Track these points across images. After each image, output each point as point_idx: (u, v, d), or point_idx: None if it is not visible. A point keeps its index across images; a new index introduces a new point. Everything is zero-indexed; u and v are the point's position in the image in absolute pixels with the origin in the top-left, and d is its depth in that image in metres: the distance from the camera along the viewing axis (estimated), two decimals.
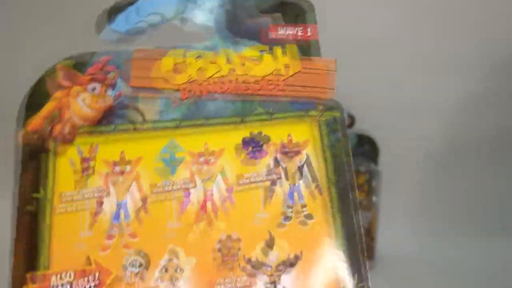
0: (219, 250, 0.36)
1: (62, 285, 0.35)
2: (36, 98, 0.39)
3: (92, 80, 0.39)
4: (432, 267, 0.68)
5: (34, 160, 0.38)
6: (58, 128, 0.38)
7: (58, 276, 0.35)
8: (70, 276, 0.35)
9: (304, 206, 0.37)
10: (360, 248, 0.36)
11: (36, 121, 0.38)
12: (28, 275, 0.35)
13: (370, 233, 0.73)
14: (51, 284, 0.35)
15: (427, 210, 0.77)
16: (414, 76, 0.71)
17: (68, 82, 0.39)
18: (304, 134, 0.39)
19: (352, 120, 0.73)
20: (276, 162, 0.38)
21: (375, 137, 0.75)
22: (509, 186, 0.72)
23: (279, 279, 0.35)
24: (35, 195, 0.37)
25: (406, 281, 0.65)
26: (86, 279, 0.35)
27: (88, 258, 0.36)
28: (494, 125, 0.71)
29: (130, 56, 0.40)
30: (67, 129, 0.38)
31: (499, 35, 0.67)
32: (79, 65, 0.40)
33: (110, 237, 0.36)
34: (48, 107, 0.39)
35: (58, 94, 0.39)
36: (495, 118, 0.71)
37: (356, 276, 0.35)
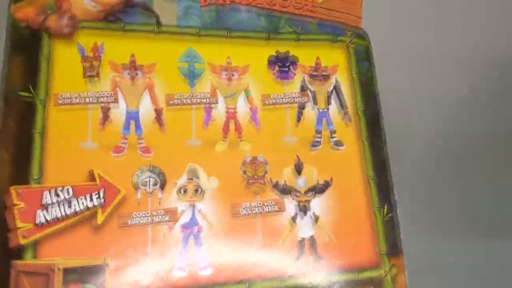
0: (244, 172, 0.32)
1: (58, 202, 0.29)
2: None
3: None
4: (432, 267, 0.68)
5: (22, 53, 0.30)
6: (53, 18, 0.31)
7: (53, 191, 0.29)
8: (68, 192, 0.29)
9: (333, 132, 0.34)
10: (389, 179, 0.34)
11: (25, 8, 0.31)
12: (12, 189, 0.28)
13: None
14: (43, 200, 0.28)
15: (427, 210, 0.77)
16: (414, 76, 0.72)
17: None
18: (333, 59, 0.36)
19: None
20: (304, 85, 0.35)
21: None
22: (509, 186, 0.75)
23: (309, 205, 0.32)
24: (23, 94, 0.30)
25: (407, 281, 0.64)
26: (88, 196, 0.29)
27: (91, 172, 0.30)
28: (493, 125, 0.73)
29: None
30: (64, 20, 0.32)
31: (499, 35, 0.69)
32: None
33: (118, 149, 0.30)
34: None
35: None
36: (495, 118, 0.73)
37: (385, 206, 0.34)
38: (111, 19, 0.33)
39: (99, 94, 0.31)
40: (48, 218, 0.28)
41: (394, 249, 0.33)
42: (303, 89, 0.35)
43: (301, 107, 0.34)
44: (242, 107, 0.34)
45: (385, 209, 0.33)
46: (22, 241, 0.27)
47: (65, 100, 0.30)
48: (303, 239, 0.31)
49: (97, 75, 0.31)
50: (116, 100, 0.31)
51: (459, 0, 0.65)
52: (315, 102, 0.35)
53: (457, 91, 0.69)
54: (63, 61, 0.31)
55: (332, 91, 0.35)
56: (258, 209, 0.31)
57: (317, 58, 0.36)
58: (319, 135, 0.34)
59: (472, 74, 0.69)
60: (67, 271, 0.27)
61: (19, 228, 0.28)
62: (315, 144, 0.34)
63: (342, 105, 0.35)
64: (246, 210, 0.31)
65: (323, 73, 0.36)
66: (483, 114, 0.71)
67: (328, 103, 0.35)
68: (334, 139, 0.34)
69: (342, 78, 0.36)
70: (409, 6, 0.64)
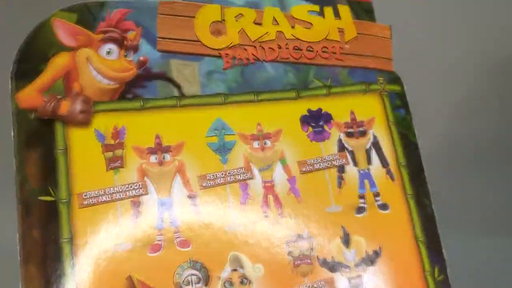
0: (289, 253, 0.30)
1: None
2: (27, 62, 0.28)
3: (106, 39, 0.29)
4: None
5: (35, 149, 0.27)
6: (65, 105, 0.28)
7: None
8: None
9: (377, 194, 0.32)
10: (438, 237, 0.33)
11: (31, 94, 0.28)
12: None
13: None
14: None
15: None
16: (414, 77, 0.70)
17: (72, 41, 0.29)
18: (368, 111, 0.34)
19: None
20: (341, 144, 0.33)
21: None
22: (510, 186, 0.74)
23: (361, 280, 0.30)
24: (43, 198, 0.27)
25: None
26: None
27: (130, 278, 0.27)
28: (495, 125, 0.72)
29: (154, 11, 0.31)
30: (78, 105, 0.28)
31: (499, 35, 0.67)
32: (84, 19, 0.29)
33: (154, 248, 0.28)
34: (46, 75, 0.28)
35: (59, 58, 0.28)
36: (496, 118, 0.72)
37: (436, 268, 0.32)
38: (129, 97, 0.29)
39: (127, 187, 0.28)
40: None
41: None
42: (340, 149, 0.32)
43: (341, 170, 0.32)
44: (279, 179, 0.31)
45: (436, 272, 0.32)
46: None
47: (91, 200, 0.27)
48: None
49: (122, 165, 0.28)
50: (146, 192, 0.28)
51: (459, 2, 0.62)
52: (355, 163, 0.32)
53: (457, 92, 0.67)
54: (83, 153, 0.28)
55: (370, 147, 0.33)
56: None
57: (351, 112, 0.33)
58: (363, 200, 0.32)
59: (473, 75, 0.67)
60: None
61: None
62: (360, 211, 0.32)
63: (383, 162, 0.33)
64: None
65: (359, 128, 0.33)
66: (484, 114, 0.70)
67: (369, 162, 0.33)
68: (378, 202, 0.32)
69: (380, 131, 0.33)
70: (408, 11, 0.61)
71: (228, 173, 0.30)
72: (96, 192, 0.28)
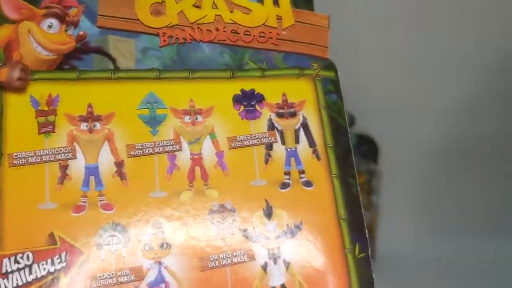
0: (211, 222, 0.31)
1: (19, 270, 0.28)
2: None
3: (48, 14, 0.31)
4: (432, 267, 0.68)
5: None
6: (4, 72, 0.30)
7: (13, 259, 0.28)
8: (28, 258, 0.28)
9: (302, 172, 0.34)
10: (361, 217, 0.34)
11: None
12: None
13: (370, 233, 0.70)
14: (3, 269, 0.27)
15: (427, 210, 0.77)
16: (414, 77, 0.71)
17: (15, 14, 0.31)
18: (299, 94, 0.35)
19: (352, 120, 0.71)
20: (271, 123, 0.34)
21: (375, 137, 0.74)
22: (509, 186, 0.75)
23: (279, 251, 0.32)
24: None
25: (406, 281, 0.65)
26: (49, 261, 0.28)
27: (52, 235, 0.29)
28: (494, 125, 0.73)
29: None
30: (16, 73, 0.30)
31: (499, 36, 0.68)
32: None
33: (78, 209, 0.29)
34: None
35: (1, 29, 0.30)
36: (495, 118, 0.73)
37: (357, 245, 0.33)
38: (65, 68, 0.31)
39: (56, 151, 0.30)
40: (9, 287, 0.27)
41: None
42: (270, 128, 0.34)
43: (269, 148, 0.34)
44: (207, 152, 0.33)
45: (357, 249, 0.33)
46: None
47: (21, 160, 0.29)
48: None
49: (53, 130, 0.30)
50: (74, 156, 0.30)
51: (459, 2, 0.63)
52: (283, 141, 0.34)
53: (457, 92, 0.68)
54: (17, 117, 0.30)
55: (299, 128, 0.35)
56: (227, 260, 0.31)
57: (283, 94, 0.35)
58: (288, 176, 0.33)
59: (472, 75, 0.68)
60: None
61: None
62: (284, 186, 0.33)
63: (310, 143, 0.34)
64: (215, 263, 0.30)
65: (290, 110, 0.35)
66: (483, 114, 0.71)
67: (296, 141, 0.34)
68: (303, 179, 0.34)
69: (310, 113, 0.35)
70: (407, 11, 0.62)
71: (157, 144, 0.32)
72: (26, 153, 0.29)
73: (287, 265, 0.32)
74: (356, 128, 0.73)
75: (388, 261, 0.71)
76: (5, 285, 0.27)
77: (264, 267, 0.31)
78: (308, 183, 0.34)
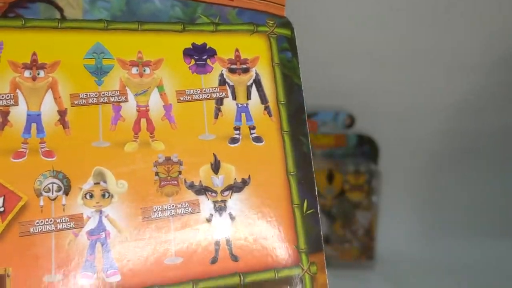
0: (156, 173, 0.31)
1: None
2: None
3: None
4: (432, 267, 0.68)
5: None
6: None
7: None
8: None
9: (252, 128, 0.33)
10: (311, 174, 0.34)
11: None
12: None
13: (370, 233, 0.71)
14: None
15: (427, 210, 0.76)
16: (414, 76, 0.70)
17: None
18: (253, 50, 0.35)
19: (352, 120, 0.71)
20: (222, 79, 0.34)
21: (375, 137, 0.73)
22: (509, 187, 0.74)
23: (225, 205, 0.31)
24: None
25: (406, 281, 0.64)
26: None
27: None
28: (494, 125, 0.72)
29: None
30: None
31: (498, 35, 0.68)
32: None
33: (18, 155, 0.29)
34: None
35: None
36: (496, 117, 0.72)
37: (306, 201, 0.33)
38: (10, 16, 0.31)
39: None
40: None
41: (314, 246, 0.32)
42: (221, 83, 0.34)
43: (219, 103, 0.33)
44: (155, 105, 0.32)
45: (306, 205, 0.33)
46: None
47: None
48: (218, 240, 0.31)
49: None
50: (16, 103, 0.30)
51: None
52: (234, 97, 0.34)
53: (457, 92, 0.67)
54: None
55: (252, 84, 0.34)
56: (171, 211, 0.30)
57: (236, 50, 0.34)
58: (238, 131, 0.33)
59: (472, 74, 0.68)
60: None
61: None
62: (233, 141, 0.33)
63: (262, 99, 0.34)
64: (158, 214, 0.30)
65: (243, 65, 0.34)
66: (483, 114, 0.70)
67: (248, 97, 0.34)
68: (253, 135, 0.33)
69: (263, 70, 0.35)
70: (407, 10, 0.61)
71: (102, 94, 0.31)
72: None
73: (233, 218, 0.31)
74: (356, 128, 0.72)
75: (388, 261, 0.70)
76: None
77: (209, 220, 0.31)
78: (258, 139, 0.33)
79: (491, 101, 0.73)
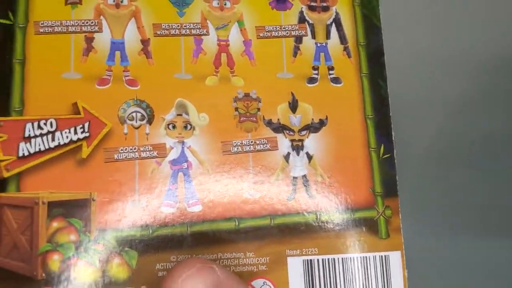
0: (236, 108, 0.31)
1: (41, 135, 0.28)
2: None
3: None
4: (433, 267, 0.68)
5: None
6: None
7: (36, 124, 0.28)
8: (51, 125, 0.28)
9: (331, 68, 0.33)
10: (388, 119, 0.33)
11: None
12: None
13: None
14: (26, 133, 0.27)
15: (427, 210, 0.76)
16: (414, 76, 0.68)
17: None
18: None
19: None
20: (302, 16, 0.33)
21: None
22: (510, 186, 0.73)
23: (302, 144, 0.31)
24: (2, 21, 0.28)
25: (406, 281, 0.64)
26: (72, 129, 0.28)
27: (75, 105, 0.28)
28: (495, 125, 0.71)
29: None
30: None
31: (499, 35, 0.65)
32: None
33: (103, 81, 0.29)
34: None
35: None
36: (497, 117, 0.70)
37: (382, 146, 0.32)
38: None
39: (82, 23, 0.29)
40: (31, 151, 0.27)
41: (389, 190, 0.32)
42: (301, 20, 0.33)
43: (298, 41, 0.32)
44: (235, 40, 0.32)
45: (382, 149, 0.32)
46: (6, 174, 0.27)
47: (47, 29, 0.29)
48: (295, 178, 0.31)
49: (80, 2, 0.29)
50: (100, 29, 0.29)
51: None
52: (313, 36, 0.33)
53: (458, 91, 0.66)
54: None
55: (331, 23, 0.33)
56: (250, 147, 0.30)
57: None
58: (316, 71, 0.32)
59: (473, 74, 0.66)
60: (52, 205, 0.27)
61: (2, 160, 0.27)
62: (311, 81, 0.32)
63: (342, 39, 0.33)
64: (237, 148, 0.30)
65: (323, 3, 0.33)
66: (484, 114, 0.69)
67: (327, 37, 0.33)
68: (332, 75, 0.32)
69: (343, 9, 0.34)
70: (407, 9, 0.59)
71: (184, 26, 0.31)
72: (52, 22, 0.29)
73: (310, 158, 0.31)
74: None
75: None
76: (27, 148, 0.27)
77: (287, 158, 0.31)
78: (336, 80, 0.33)
79: (492, 101, 0.71)
